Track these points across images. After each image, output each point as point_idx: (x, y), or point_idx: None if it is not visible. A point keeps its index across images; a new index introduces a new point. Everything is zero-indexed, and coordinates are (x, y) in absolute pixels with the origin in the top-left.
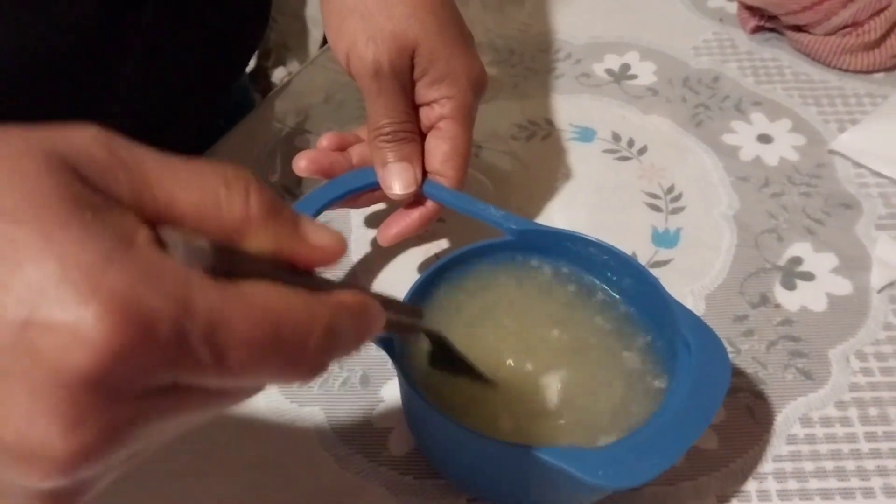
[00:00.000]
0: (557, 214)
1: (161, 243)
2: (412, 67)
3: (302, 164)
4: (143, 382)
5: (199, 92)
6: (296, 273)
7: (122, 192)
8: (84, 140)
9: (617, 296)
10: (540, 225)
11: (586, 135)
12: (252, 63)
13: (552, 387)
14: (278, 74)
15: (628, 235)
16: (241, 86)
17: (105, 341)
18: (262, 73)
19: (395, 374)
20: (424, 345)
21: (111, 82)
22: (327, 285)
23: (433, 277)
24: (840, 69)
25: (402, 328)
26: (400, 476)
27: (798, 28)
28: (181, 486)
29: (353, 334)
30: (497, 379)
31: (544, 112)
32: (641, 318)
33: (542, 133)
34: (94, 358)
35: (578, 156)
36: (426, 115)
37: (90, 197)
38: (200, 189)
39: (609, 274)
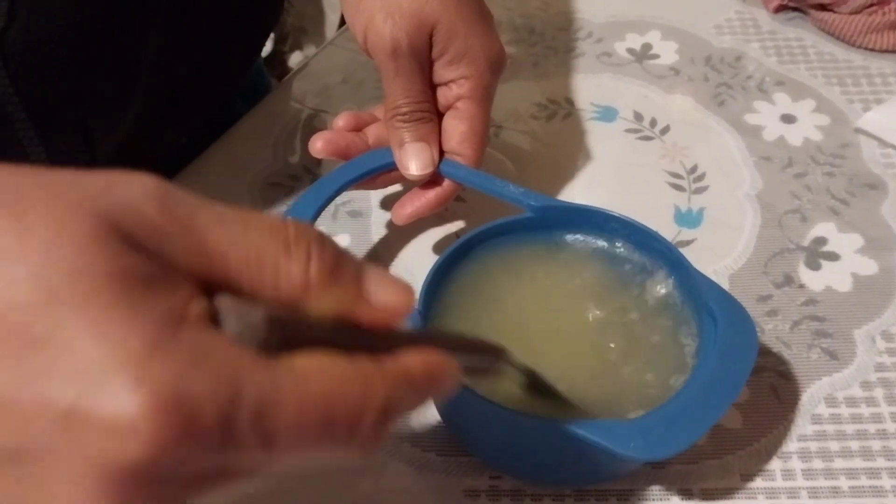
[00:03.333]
0: (579, 195)
1: (214, 314)
2: (430, 46)
3: (318, 145)
4: (187, 470)
5: (215, 73)
6: (357, 331)
7: (175, 257)
8: (136, 197)
9: (640, 269)
10: (560, 201)
11: (608, 114)
12: (269, 47)
13: (577, 361)
14: (295, 59)
15: (651, 215)
16: (256, 69)
17: (150, 435)
18: (278, 58)
19: None
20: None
21: (132, 63)
22: (393, 341)
23: (454, 256)
24: (865, 48)
25: (481, 372)
26: (423, 453)
27: (822, 7)
28: None
29: (415, 401)
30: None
31: (565, 91)
32: (667, 292)
33: (563, 113)
34: (138, 452)
35: (600, 136)
36: (444, 94)
37: (141, 268)
38: (258, 256)
39: (631, 248)
